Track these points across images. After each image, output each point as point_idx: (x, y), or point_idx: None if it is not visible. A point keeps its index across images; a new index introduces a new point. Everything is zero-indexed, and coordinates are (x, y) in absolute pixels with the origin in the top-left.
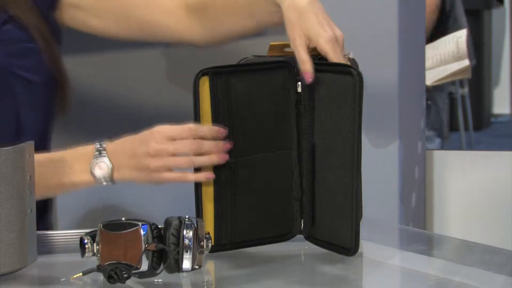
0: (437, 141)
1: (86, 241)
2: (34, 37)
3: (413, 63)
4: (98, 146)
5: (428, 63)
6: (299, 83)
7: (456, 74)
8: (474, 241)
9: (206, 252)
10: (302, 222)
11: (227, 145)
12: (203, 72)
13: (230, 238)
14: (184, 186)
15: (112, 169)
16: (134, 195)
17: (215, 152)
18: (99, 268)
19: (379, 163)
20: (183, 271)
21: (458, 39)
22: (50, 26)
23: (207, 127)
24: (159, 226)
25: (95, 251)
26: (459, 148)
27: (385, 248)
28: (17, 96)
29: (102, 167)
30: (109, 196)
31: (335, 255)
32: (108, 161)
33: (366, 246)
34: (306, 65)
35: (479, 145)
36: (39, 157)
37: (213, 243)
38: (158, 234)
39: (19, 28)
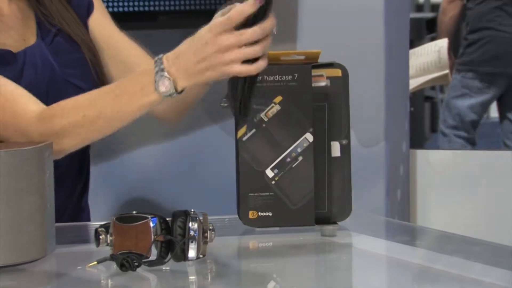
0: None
1: (100, 232)
2: (81, 48)
3: (398, 71)
4: (156, 62)
5: (411, 72)
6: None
7: (435, 80)
8: (453, 232)
9: (209, 242)
10: None
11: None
12: None
13: None
14: (192, 182)
15: (175, 82)
16: (146, 190)
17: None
18: (112, 257)
19: (367, 161)
20: (188, 260)
21: (440, 48)
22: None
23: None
24: (167, 219)
25: (108, 241)
26: (440, 147)
27: (372, 239)
28: None
29: (165, 84)
30: (123, 192)
31: (327, 245)
32: (169, 79)
33: (355, 237)
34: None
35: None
36: (110, 86)
37: None
38: (166, 226)
39: (67, 40)
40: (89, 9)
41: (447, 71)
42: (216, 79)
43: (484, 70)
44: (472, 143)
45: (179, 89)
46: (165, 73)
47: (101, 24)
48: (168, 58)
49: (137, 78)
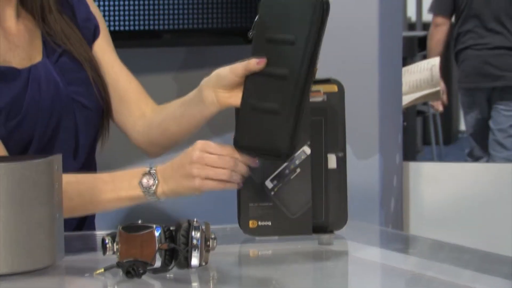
0: None
1: (107, 241)
2: (85, 68)
3: (391, 87)
4: (149, 166)
5: (404, 88)
6: None
7: (427, 97)
8: (444, 241)
9: (211, 250)
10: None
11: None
12: None
13: None
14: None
15: (157, 184)
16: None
17: (245, 174)
18: (118, 265)
19: (362, 173)
20: (191, 268)
21: (432, 66)
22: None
23: (245, 157)
24: (171, 228)
25: (115, 250)
26: (432, 159)
27: (367, 247)
28: (76, 119)
29: (149, 180)
30: None
31: (323, 253)
32: (155, 176)
33: (350, 245)
34: None
35: (449, 157)
36: (103, 175)
37: None
38: (170, 235)
39: (72, 59)
40: (95, 34)
41: (438, 88)
42: (191, 191)
43: (464, 86)
44: (471, 156)
45: (159, 191)
46: (153, 171)
47: (104, 51)
48: (157, 167)
49: (127, 174)
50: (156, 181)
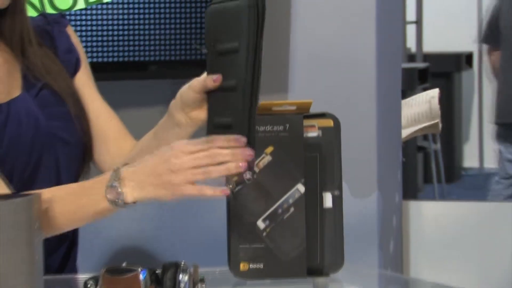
0: None
1: (89, 285)
2: (66, 102)
3: (390, 121)
4: (113, 172)
5: (402, 122)
6: None
7: (426, 129)
8: (446, 284)
9: None
10: None
11: (246, 152)
12: None
13: None
14: (184, 232)
15: (126, 194)
16: (137, 240)
17: (233, 161)
18: None
19: (360, 212)
20: None
21: (431, 99)
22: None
23: (224, 137)
24: (157, 271)
25: None
26: (433, 198)
27: None
28: (58, 155)
29: (113, 194)
30: (113, 241)
31: None
32: (119, 186)
33: None
34: None
35: (451, 196)
36: (75, 188)
37: None
38: (156, 278)
39: (53, 93)
40: (76, 68)
41: (437, 120)
42: (169, 199)
43: (498, 121)
44: (504, 178)
45: (129, 200)
46: (116, 183)
47: (84, 86)
48: (126, 170)
49: (94, 185)
50: (122, 196)
